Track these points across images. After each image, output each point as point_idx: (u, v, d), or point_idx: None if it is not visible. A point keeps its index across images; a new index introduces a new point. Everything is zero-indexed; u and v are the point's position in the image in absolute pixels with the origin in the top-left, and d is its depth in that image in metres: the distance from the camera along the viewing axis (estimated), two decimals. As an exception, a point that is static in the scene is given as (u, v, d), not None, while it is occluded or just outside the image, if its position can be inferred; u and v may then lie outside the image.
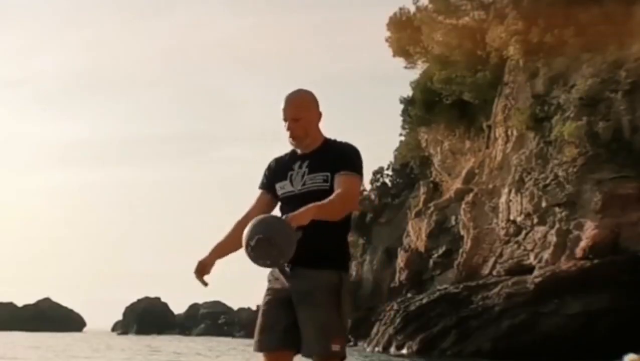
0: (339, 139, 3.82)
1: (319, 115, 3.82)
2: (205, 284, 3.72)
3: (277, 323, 3.65)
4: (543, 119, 24.92)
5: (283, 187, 3.75)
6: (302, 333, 3.59)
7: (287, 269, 3.65)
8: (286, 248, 3.38)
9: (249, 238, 3.39)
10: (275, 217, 3.53)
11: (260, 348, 3.70)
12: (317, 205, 3.50)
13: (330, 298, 3.58)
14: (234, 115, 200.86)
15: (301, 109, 3.76)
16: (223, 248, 3.78)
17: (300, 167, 3.74)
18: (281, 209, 3.77)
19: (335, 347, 3.55)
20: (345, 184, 3.61)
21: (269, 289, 3.76)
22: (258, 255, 3.38)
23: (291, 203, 3.67)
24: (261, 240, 3.36)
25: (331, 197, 3.54)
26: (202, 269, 3.75)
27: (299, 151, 3.81)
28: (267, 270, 3.76)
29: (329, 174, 3.66)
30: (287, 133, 3.77)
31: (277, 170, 3.82)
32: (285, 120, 3.77)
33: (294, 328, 3.60)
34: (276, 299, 3.69)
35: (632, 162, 22.09)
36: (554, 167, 23.64)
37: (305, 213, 3.43)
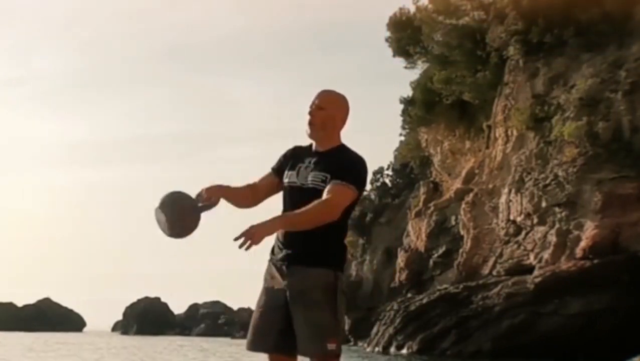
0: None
1: (343, 121, 3.82)
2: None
3: (272, 326, 3.64)
4: (543, 119, 24.89)
5: (289, 177, 3.77)
6: (296, 332, 3.57)
7: (284, 267, 3.65)
8: (174, 223, 3.64)
9: (159, 205, 3.64)
10: (181, 196, 3.70)
11: (253, 348, 3.70)
12: (285, 215, 3.58)
13: (326, 296, 3.57)
14: (235, 114, 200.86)
15: (329, 102, 3.78)
16: (228, 190, 3.81)
17: (310, 162, 3.74)
18: (283, 197, 3.79)
19: (331, 346, 3.54)
20: (334, 193, 3.58)
21: (265, 288, 3.74)
22: (157, 218, 3.65)
23: (291, 194, 3.73)
24: (159, 209, 3.63)
25: (309, 206, 3.53)
26: (215, 190, 3.78)
27: (314, 147, 3.81)
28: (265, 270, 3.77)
29: (328, 176, 3.64)
30: (306, 121, 3.76)
31: (291, 159, 3.82)
32: (310, 107, 3.77)
33: (289, 332, 3.59)
34: (272, 300, 3.68)
35: (632, 162, 22.06)
36: (554, 167, 23.62)
37: (270, 224, 3.47)
